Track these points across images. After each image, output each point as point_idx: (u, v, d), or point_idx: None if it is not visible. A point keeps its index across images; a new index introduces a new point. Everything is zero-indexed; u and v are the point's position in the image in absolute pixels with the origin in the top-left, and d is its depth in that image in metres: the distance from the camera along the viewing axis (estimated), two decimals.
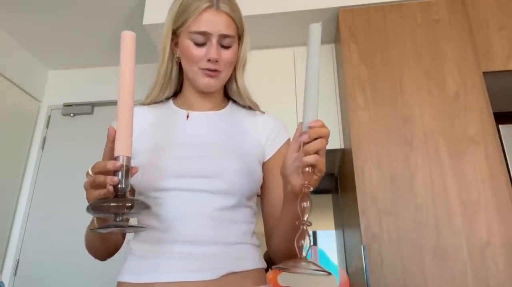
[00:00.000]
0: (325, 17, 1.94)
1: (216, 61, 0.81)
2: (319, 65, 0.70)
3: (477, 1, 1.76)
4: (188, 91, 0.91)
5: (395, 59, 1.71)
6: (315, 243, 2.18)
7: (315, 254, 2.15)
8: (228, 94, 0.94)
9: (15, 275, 2.32)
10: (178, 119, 0.87)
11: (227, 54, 0.83)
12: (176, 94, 0.94)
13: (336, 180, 2.32)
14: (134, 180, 0.76)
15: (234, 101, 0.94)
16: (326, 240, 2.21)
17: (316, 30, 0.65)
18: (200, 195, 0.76)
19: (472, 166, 1.50)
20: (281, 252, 0.78)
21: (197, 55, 0.81)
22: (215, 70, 0.82)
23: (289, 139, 0.91)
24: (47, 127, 2.66)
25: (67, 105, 2.68)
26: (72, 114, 2.66)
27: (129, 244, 0.81)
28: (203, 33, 0.80)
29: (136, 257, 0.77)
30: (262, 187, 0.87)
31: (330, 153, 2.02)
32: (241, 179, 0.78)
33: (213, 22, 0.80)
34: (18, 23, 2.34)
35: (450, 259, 1.39)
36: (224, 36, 0.81)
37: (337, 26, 1.96)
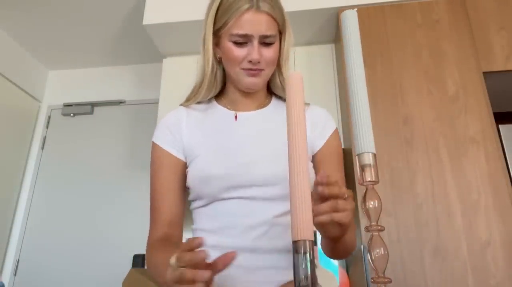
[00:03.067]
0: (325, 17, 1.94)
1: (258, 61, 0.82)
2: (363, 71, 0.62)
3: (477, 1, 1.76)
4: (231, 91, 0.91)
5: (395, 59, 1.71)
6: (315, 243, 2.18)
7: (315, 254, 2.14)
8: (271, 89, 0.94)
9: (15, 275, 2.32)
10: (227, 122, 0.88)
11: (268, 53, 0.83)
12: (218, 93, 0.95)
13: None
14: (195, 188, 0.81)
15: (277, 95, 0.94)
16: None
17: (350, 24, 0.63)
18: (259, 203, 0.78)
19: (472, 166, 1.50)
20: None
21: (239, 56, 0.82)
22: (257, 69, 0.83)
23: (336, 128, 0.93)
24: (47, 127, 2.66)
25: (67, 105, 2.68)
26: (72, 114, 2.66)
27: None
28: (244, 36, 0.80)
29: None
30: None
31: None
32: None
33: (254, 23, 0.80)
34: (18, 23, 2.34)
35: (450, 259, 1.39)
36: (265, 36, 0.81)
37: (337, 26, 1.96)
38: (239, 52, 0.81)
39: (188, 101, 0.91)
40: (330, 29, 2.03)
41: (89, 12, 2.24)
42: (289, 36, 0.90)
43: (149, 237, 0.82)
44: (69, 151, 2.56)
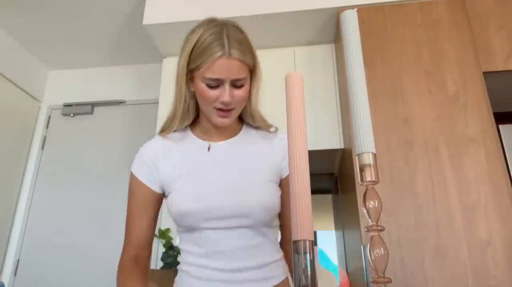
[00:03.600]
0: (325, 17, 1.94)
1: (229, 103, 0.88)
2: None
3: (477, 1, 1.76)
4: (204, 121, 0.97)
5: (395, 59, 1.71)
6: (315, 243, 2.18)
7: (315, 254, 2.14)
8: (242, 116, 1.00)
9: (15, 275, 2.33)
10: (201, 153, 0.95)
11: (239, 93, 0.89)
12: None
13: (336, 180, 2.32)
14: (175, 220, 0.90)
15: (250, 124, 1.01)
16: (326, 240, 2.21)
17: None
18: (233, 232, 0.87)
19: (472, 166, 1.50)
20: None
21: (211, 97, 0.87)
22: (228, 110, 0.89)
23: None
24: (47, 127, 2.66)
25: (67, 105, 2.68)
26: (72, 114, 2.66)
27: (182, 264, 0.93)
28: (216, 79, 0.86)
29: (190, 276, 0.89)
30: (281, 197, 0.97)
31: (330, 153, 2.02)
32: (265, 214, 0.89)
33: (225, 69, 0.85)
34: (18, 23, 2.34)
35: (450, 259, 1.39)
36: (236, 80, 0.87)
37: (337, 26, 1.96)
38: (211, 93, 0.87)
39: (163, 132, 0.98)
40: (330, 29, 2.03)
41: (89, 12, 2.24)
42: (259, 73, 0.95)
43: (121, 256, 0.94)
44: (69, 151, 2.56)
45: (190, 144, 0.97)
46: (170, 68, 2.20)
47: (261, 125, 0.99)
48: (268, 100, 2.25)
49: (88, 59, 2.70)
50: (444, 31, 1.72)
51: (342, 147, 1.91)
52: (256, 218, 0.87)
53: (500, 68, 1.64)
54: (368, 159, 0.56)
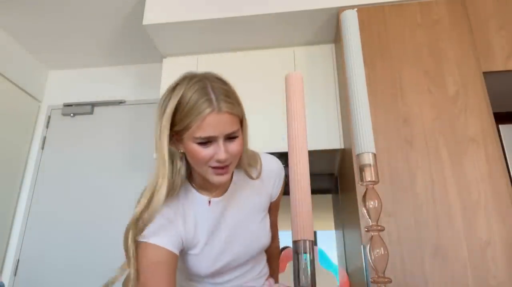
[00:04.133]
0: (325, 17, 1.94)
1: (226, 159, 0.83)
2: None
3: (477, 1, 1.76)
4: (199, 178, 0.93)
5: (395, 59, 1.71)
6: (315, 243, 2.18)
7: (315, 254, 2.14)
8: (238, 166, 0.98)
9: (15, 275, 2.33)
10: (203, 209, 0.94)
11: (234, 146, 0.84)
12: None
13: (336, 180, 2.32)
14: (196, 275, 0.96)
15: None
16: (326, 240, 2.21)
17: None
18: (240, 270, 0.99)
19: (472, 166, 1.49)
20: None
21: (206, 156, 0.82)
22: (225, 167, 0.84)
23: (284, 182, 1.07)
24: (47, 127, 2.66)
25: (67, 105, 2.68)
26: (72, 114, 2.66)
27: None
28: (209, 137, 0.81)
29: None
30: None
31: (330, 153, 2.02)
32: (261, 251, 1.03)
33: (217, 125, 0.80)
34: (18, 23, 2.34)
35: (450, 259, 1.39)
36: (230, 133, 0.82)
37: (337, 26, 1.96)
38: (205, 153, 0.82)
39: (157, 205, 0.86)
40: (330, 29, 2.03)
41: (89, 12, 2.24)
42: (246, 120, 0.90)
43: None
44: (69, 151, 2.56)
45: (191, 198, 0.94)
46: (170, 68, 2.21)
47: (247, 169, 0.95)
48: (268, 100, 2.26)
49: (88, 59, 2.70)
50: (444, 31, 1.72)
51: (342, 147, 1.91)
52: (256, 256, 1.01)
53: (500, 68, 1.64)
54: (368, 159, 0.56)
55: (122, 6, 2.19)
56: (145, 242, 0.85)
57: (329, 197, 2.32)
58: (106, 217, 2.36)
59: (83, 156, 2.54)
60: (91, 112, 2.65)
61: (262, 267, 1.07)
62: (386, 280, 0.53)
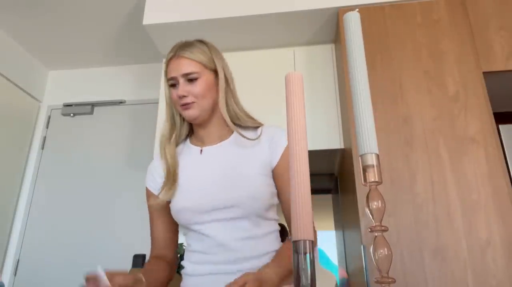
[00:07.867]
0: (325, 17, 1.94)
1: (184, 96, 0.98)
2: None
3: (477, 1, 1.76)
4: (195, 129, 1.08)
5: (395, 59, 1.71)
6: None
7: (315, 254, 2.14)
8: (232, 120, 1.05)
9: (15, 275, 2.33)
10: (194, 156, 1.04)
11: (194, 87, 0.98)
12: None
13: (336, 180, 2.32)
14: (176, 219, 1.00)
15: (239, 125, 1.06)
16: (326, 240, 2.21)
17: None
18: (229, 224, 0.94)
19: (472, 166, 1.50)
20: None
21: (173, 96, 1.01)
22: (186, 103, 0.98)
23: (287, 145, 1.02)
24: (47, 127, 2.66)
25: (67, 105, 2.68)
26: (72, 114, 2.66)
27: (183, 264, 1.00)
28: (171, 78, 1.00)
29: (190, 276, 0.96)
30: (277, 189, 1.01)
31: (330, 153, 2.02)
32: (254, 203, 0.94)
33: (176, 68, 0.99)
34: (18, 23, 2.34)
35: (450, 259, 1.39)
36: (187, 74, 0.98)
37: (337, 26, 1.96)
38: (173, 93, 1.00)
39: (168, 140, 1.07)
40: (330, 29, 2.03)
41: (89, 12, 2.24)
42: (224, 74, 1.03)
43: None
44: (69, 151, 2.56)
45: (187, 151, 1.07)
46: None
47: (249, 125, 1.04)
48: (268, 100, 2.25)
49: (88, 59, 2.70)
50: (444, 31, 1.72)
51: (342, 147, 1.91)
52: (246, 208, 0.93)
53: (500, 68, 1.64)
54: (371, 159, 0.56)
55: (122, 6, 2.19)
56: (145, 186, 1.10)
57: (329, 197, 2.32)
58: (106, 216, 2.36)
59: (83, 156, 2.54)
60: (91, 112, 2.64)
61: (264, 251, 0.94)
62: (390, 280, 0.53)
